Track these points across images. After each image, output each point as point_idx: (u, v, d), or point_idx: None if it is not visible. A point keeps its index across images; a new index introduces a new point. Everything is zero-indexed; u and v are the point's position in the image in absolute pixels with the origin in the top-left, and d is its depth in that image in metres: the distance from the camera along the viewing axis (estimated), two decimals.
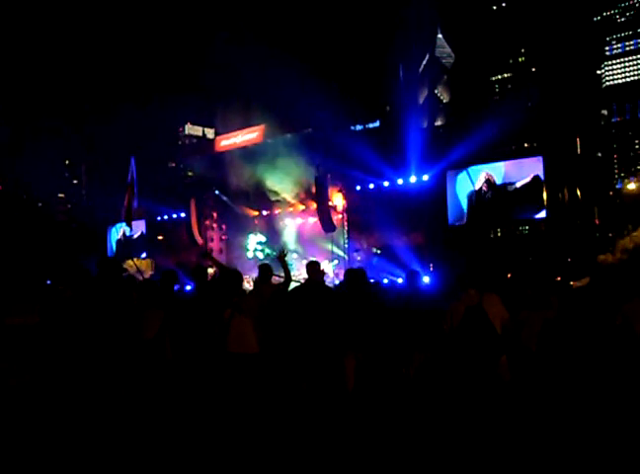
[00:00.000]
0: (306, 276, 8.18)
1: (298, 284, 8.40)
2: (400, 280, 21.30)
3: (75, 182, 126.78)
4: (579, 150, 36.21)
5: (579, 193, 33.37)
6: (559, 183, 31.71)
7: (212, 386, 6.70)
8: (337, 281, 24.07)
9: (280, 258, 8.19)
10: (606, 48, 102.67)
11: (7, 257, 34.94)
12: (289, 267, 8.32)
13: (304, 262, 8.40)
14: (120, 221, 35.16)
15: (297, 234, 32.40)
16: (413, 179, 27.88)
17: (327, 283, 9.18)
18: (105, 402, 5.70)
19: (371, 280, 17.01)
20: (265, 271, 8.11)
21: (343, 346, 7.01)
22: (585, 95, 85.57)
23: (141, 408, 6.10)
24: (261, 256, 33.08)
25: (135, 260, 25.22)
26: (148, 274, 30.63)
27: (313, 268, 8.13)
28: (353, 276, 7.75)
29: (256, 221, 34.08)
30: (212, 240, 34.71)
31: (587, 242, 31.08)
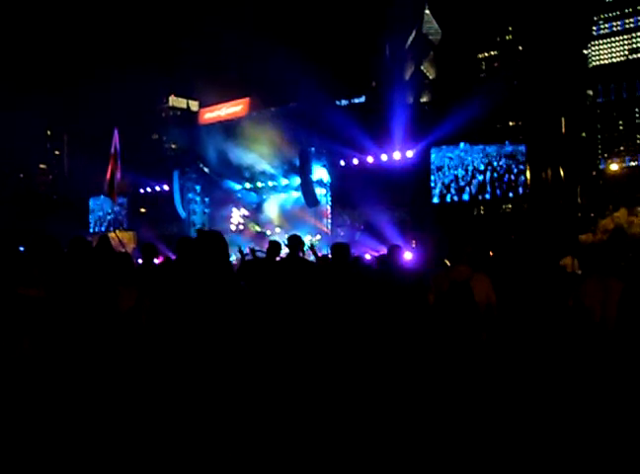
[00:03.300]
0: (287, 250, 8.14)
1: (281, 258, 8.37)
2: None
3: (57, 153, 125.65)
4: (563, 130, 36.28)
5: (562, 172, 33.49)
6: (543, 162, 31.81)
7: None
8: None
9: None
10: (593, 28, 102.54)
11: None
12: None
13: (287, 236, 8.33)
14: (103, 193, 34.89)
15: (281, 208, 32.34)
16: (397, 155, 27.82)
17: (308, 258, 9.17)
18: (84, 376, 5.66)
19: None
20: (274, 247, 8.19)
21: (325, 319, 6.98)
22: (571, 74, 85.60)
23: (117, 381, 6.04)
24: (242, 229, 33.06)
25: (118, 232, 25.10)
26: (131, 246, 30.48)
27: (294, 241, 8.08)
28: (339, 250, 7.70)
29: (239, 195, 33.95)
30: (195, 213, 34.50)
31: (569, 221, 31.22)
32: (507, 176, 28.09)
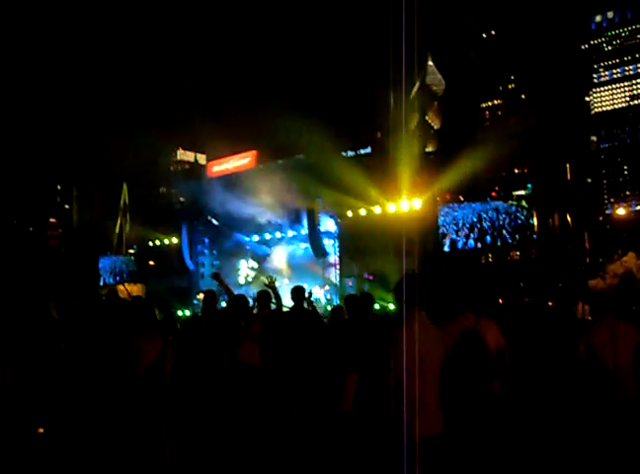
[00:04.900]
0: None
1: (288, 310, 8.34)
2: (391, 306, 21.24)
3: (67, 207, 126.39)
4: (569, 176, 36.43)
5: (569, 218, 33.52)
6: (549, 209, 31.87)
7: (219, 395, 6.69)
8: (329, 307, 23.91)
9: (271, 286, 8.14)
10: (594, 76, 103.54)
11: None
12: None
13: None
14: (112, 249, 35.27)
15: (289, 259, 32.39)
16: (404, 205, 27.94)
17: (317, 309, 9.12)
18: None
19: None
20: (264, 297, 8.07)
21: (344, 367, 6.93)
22: (574, 121, 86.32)
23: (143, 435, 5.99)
24: (251, 280, 33.08)
25: (127, 284, 25.16)
26: None
27: (297, 293, 8.01)
28: (353, 301, 7.67)
29: (247, 246, 34.07)
30: (204, 265, 34.60)
31: (577, 267, 31.14)
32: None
